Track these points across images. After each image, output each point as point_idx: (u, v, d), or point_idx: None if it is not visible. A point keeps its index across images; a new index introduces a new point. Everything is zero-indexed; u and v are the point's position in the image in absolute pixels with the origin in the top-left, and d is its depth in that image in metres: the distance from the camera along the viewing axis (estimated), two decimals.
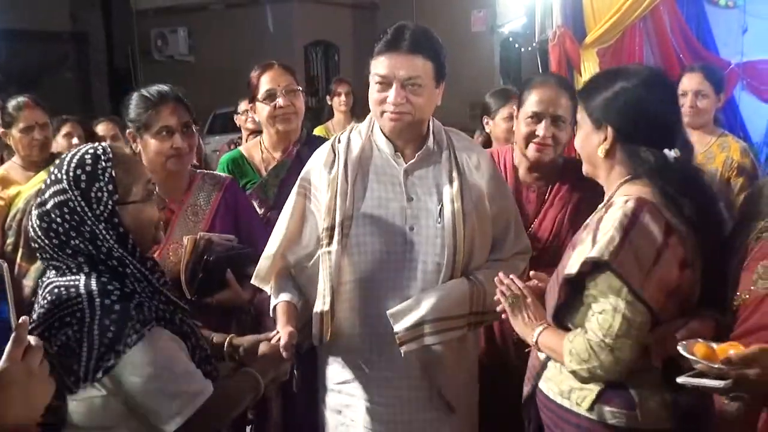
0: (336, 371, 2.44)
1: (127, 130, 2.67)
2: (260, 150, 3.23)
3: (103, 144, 1.88)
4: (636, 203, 1.89)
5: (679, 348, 1.77)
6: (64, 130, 4.38)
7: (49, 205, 1.77)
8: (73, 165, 1.79)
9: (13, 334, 1.23)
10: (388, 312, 2.26)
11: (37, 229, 1.79)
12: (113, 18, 16.88)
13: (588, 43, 4.55)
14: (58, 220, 1.76)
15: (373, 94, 2.32)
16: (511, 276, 2.15)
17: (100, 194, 1.78)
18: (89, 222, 1.76)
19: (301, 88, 3.21)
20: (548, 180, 2.80)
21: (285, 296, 2.39)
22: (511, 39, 15.82)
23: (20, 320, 1.25)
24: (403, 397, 2.36)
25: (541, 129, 2.66)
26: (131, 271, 1.80)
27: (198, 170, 2.85)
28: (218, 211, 2.70)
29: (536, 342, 2.06)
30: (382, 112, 2.31)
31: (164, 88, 2.66)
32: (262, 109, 3.14)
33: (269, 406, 2.86)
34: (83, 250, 1.77)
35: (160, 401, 1.72)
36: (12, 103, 3.80)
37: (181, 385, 1.75)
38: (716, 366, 1.66)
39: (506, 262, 2.42)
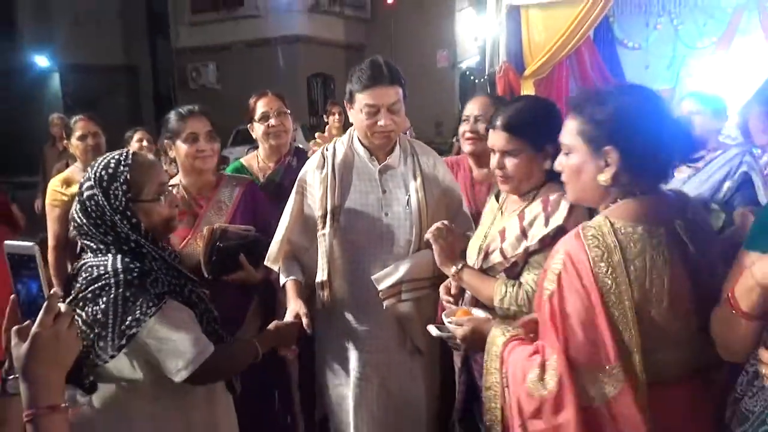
0: (332, 329, 2.45)
1: (165, 141, 2.64)
2: (257, 161, 3.17)
3: (128, 150, 1.84)
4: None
5: (444, 315, 1.93)
6: (137, 136, 4.35)
7: (84, 196, 1.76)
8: (100, 167, 1.78)
9: (45, 303, 1.19)
10: (373, 276, 2.29)
11: (78, 211, 1.77)
12: (158, 54, 16.73)
13: (527, 75, 4.54)
14: (89, 209, 1.75)
15: (363, 120, 2.31)
16: (442, 221, 2.16)
17: (116, 192, 1.76)
18: (108, 213, 1.75)
19: (289, 111, 3.14)
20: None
21: (292, 276, 2.41)
22: (467, 73, 15.84)
23: (52, 291, 1.21)
24: (383, 345, 2.39)
25: (467, 126, 2.74)
26: (147, 251, 1.78)
27: (224, 173, 2.83)
28: (239, 207, 2.65)
29: (458, 274, 2.05)
30: (374, 133, 2.32)
31: (193, 106, 2.65)
32: (258, 128, 3.09)
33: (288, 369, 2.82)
34: (109, 233, 1.75)
35: (170, 359, 1.70)
36: (72, 119, 3.83)
37: (187, 346, 1.72)
38: (447, 323, 1.88)
39: None
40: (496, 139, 2.01)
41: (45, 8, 14.34)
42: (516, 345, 1.60)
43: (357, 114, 2.34)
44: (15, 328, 1.19)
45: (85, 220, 1.76)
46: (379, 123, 2.29)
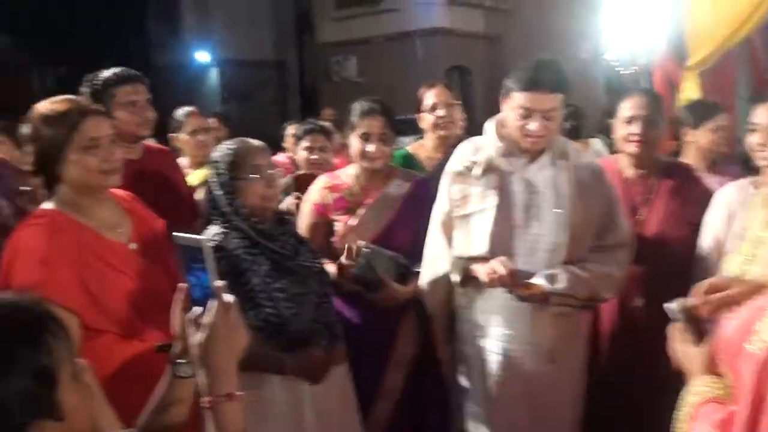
0: (471, 330, 2.40)
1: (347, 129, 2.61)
2: (424, 150, 3.09)
3: (239, 138, 2.22)
4: None
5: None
6: (292, 131, 4.31)
7: (208, 176, 2.29)
8: (216, 151, 2.24)
9: (216, 295, 1.21)
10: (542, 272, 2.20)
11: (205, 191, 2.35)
12: (304, 49, 17.31)
13: (690, 65, 4.07)
14: (209, 187, 2.24)
15: (516, 120, 2.21)
16: None
17: (221, 170, 2.17)
18: (215, 189, 2.17)
19: (458, 102, 3.04)
20: (653, 176, 2.61)
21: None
22: (613, 64, 14.98)
23: (217, 283, 1.21)
24: (522, 350, 2.29)
25: (635, 128, 2.55)
26: (237, 225, 2.12)
27: (396, 167, 2.73)
28: (406, 203, 2.57)
29: None
30: (524, 135, 2.21)
31: (375, 103, 2.55)
32: (427, 119, 3.00)
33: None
34: (215, 206, 2.24)
35: None
36: (181, 113, 3.45)
37: None
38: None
39: (610, 255, 2.28)
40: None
41: (205, 8, 15.27)
42: (711, 408, 1.21)
43: (510, 111, 2.21)
44: (190, 317, 1.23)
45: (205, 196, 2.19)
46: (528, 127, 2.17)
